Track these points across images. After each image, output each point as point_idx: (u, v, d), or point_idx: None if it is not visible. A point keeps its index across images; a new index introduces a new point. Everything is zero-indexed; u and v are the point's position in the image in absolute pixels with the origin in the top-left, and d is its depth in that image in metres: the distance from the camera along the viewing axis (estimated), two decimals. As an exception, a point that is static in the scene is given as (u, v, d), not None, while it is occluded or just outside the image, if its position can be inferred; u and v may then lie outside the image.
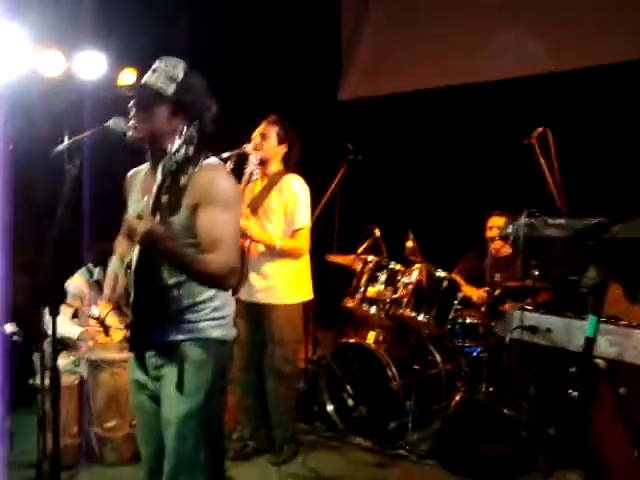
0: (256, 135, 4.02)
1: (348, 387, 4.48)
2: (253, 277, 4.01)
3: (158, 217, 2.13)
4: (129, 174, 2.59)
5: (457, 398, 4.28)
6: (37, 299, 3.79)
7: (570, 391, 1.83)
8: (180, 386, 2.30)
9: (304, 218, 4.00)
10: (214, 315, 2.38)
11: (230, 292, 2.47)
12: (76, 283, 4.53)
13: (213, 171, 2.32)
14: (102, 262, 4.59)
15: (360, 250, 4.71)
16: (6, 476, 3.76)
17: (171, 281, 2.31)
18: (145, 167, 2.51)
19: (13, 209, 4.48)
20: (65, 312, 4.45)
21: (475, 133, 5.83)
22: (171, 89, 2.30)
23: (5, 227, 4.32)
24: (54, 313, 2.44)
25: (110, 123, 2.30)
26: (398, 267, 4.56)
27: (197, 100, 2.33)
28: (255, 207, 4.00)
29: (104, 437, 4.08)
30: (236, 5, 6.24)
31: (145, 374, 2.43)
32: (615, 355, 1.90)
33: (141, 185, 2.47)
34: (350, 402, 4.46)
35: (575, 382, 1.82)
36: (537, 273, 4.18)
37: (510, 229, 2.06)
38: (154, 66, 2.36)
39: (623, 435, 2.09)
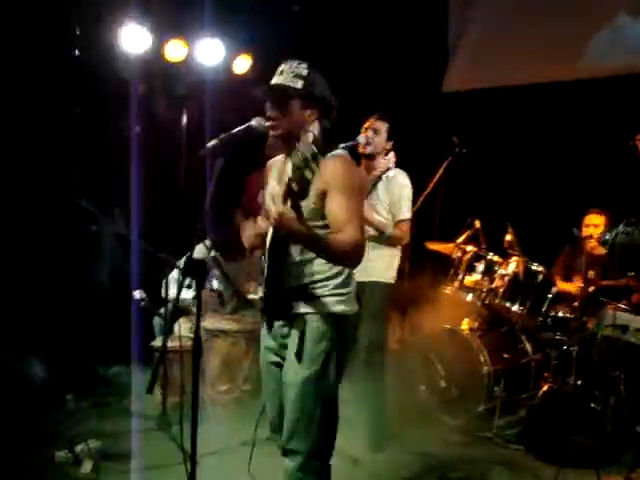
0: (367, 129, 4.23)
1: (440, 369, 4.72)
2: None
3: (289, 203, 2.36)
4: (268, 163, 2.88)
5: (545, 388, 4.43)
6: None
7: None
8: (299, 354, 2.57)
9: (408, 211, 4.23)
10: (337, 291, 2.63)
11: (353, 270, 2.72)
12: (198, 255, 4.92)
13: (340, 161, 2.58)
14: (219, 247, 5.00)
15: (460, 240, 4.90)
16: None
17: (298, 258, 2.59)
18: (281, 157, 2.80)
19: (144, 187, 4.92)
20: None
21: (579, 129, 5.82)
22: (299, 84, 2.59)
23: (137, 202, 4.77)
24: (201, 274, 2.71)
25: (253, 122, 2.60)
26: (496, 258, 4.74)
27: (321, 91, 2.63)
28: None
29: (215, 399, 4.48)
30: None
31: (274, 341, 2.72)
32: None
33: (277, 173, 2.77)
34: (442, 384, 4.70)
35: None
36: (633, 274, 4.28)
37: (608, 236, 2.23)
38: (279, 69, 2.65)
39: None
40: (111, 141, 5.26)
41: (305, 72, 2.61)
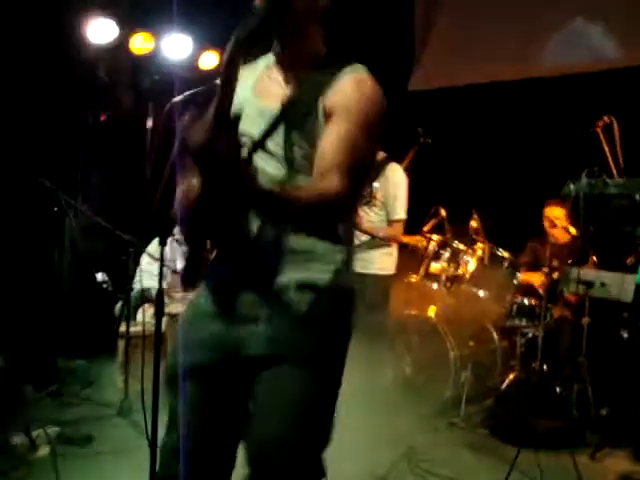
0: None
1: (406, 356, 4.69)
2: None
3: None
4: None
5: (511, 376, 4.43)
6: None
7: (622, 332, 2.01)
8: (299, 350, 1.74)
9: (402, 210, 4.25)
10: (336, 256, 1.83)
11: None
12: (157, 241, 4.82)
13: (361, 78, 1.83)
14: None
15: (426, 229, 4.90)
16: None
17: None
18: (260, 65, 2.03)
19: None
20: (151, 264, 4.70)
21: (541, 122, 5.94)
22: None
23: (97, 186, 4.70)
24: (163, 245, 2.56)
25: (219, 81, 2.54)
26: (461, 246, 4.74)
27: None
28: None
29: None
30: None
31: (223, 325, 1.82)
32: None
33: (255, 83, 2.00)
34: (408, 371, 4.66)
35: (626, 324, 2.01)
36: (595, 259, 4.30)
37: (571, 188, 2.23)
38: None
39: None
40: (75, 127, 5.20)
41: None
